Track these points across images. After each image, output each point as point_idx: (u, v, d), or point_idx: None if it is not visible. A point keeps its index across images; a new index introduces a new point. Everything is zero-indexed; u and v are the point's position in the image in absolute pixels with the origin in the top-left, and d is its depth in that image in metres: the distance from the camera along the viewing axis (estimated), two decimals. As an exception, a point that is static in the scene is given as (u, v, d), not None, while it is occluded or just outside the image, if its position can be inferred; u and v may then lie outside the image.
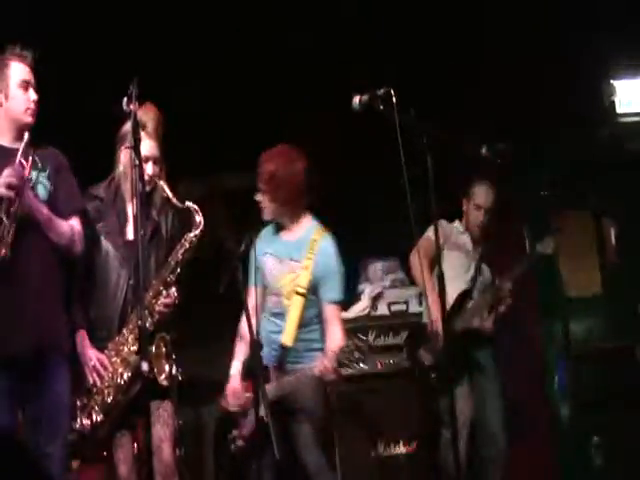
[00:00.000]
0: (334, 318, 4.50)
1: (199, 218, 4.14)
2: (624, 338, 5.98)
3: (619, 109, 6.07)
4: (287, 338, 4.47)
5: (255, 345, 4.30)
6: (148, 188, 4.16)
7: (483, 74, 6.01)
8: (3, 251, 3.79)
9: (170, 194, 4.15)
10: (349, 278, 6.17)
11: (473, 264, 5.29)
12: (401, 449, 5.36)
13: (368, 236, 6.37)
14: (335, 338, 4.42)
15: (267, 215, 4.59)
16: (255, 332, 4.22)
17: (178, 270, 4.14)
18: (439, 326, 4.92)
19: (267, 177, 4.48)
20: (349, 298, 6.02)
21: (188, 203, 4.16)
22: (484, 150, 4.74)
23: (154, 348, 4.04)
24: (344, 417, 5.32)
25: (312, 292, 4.50)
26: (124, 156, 4.19)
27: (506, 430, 5.04)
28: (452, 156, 4.96)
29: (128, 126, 4.08)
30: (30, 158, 3.94)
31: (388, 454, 5.36)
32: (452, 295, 5.01)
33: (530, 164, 4.79)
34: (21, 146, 3.90)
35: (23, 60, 4.05)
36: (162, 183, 4.18)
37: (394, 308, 5.78)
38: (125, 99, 3.64)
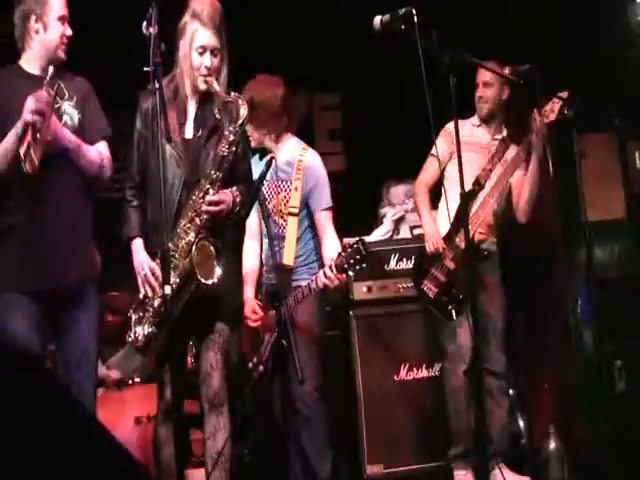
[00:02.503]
0: (327, 224, 4.68)
1: (244, 109, 3.95)
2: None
3: (645, 29, 5.97)
4: (288, 258, 4.59)
5: (278, 268, 4.37)
6: (205, 86, 4.02)
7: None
8: (29, 166, 3.77)
9: (217, 87, 3.98)
10: (371, 202, 6.26)
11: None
12: (423, 373, 5.38)
13: (390, 159, 6.34)
14: (331, 244, 4.61)
15: (252, 142, 4.67)
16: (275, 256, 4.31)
17: (225, 165, 3.95)
18: (436, 243, 4.90)
19: (250, 104, 4.56)
20: (371, 221, 6.06)
21: (233, 94, 3.99)
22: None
23: (202, 249, 3.86)
24: (365, 341, 5.34)
25: (304, 207, 4.68)
26: (182, 50, 4.04)
27: (505, 356, 4.99)
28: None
29: (186, 17, 4.03)
30: (57, 87, 3.92)
31: (410, 378, 5.37)
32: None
33: (554, 85, 4.70)
34: (47, 77, 3.87)
35: None
36: (210, 79, 4.00)
37: (416, 232, 5.77)
38: (145, 22, 3.60)
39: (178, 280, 3.84)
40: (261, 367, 4.58)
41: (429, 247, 4.93)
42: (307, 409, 4.57)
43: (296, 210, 4.66)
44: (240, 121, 3.95)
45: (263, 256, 4.83)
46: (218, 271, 3.86)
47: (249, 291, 4.79)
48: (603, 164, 6.08)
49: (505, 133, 5.11)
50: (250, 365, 4.64)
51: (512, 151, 5.02)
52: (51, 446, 2.36)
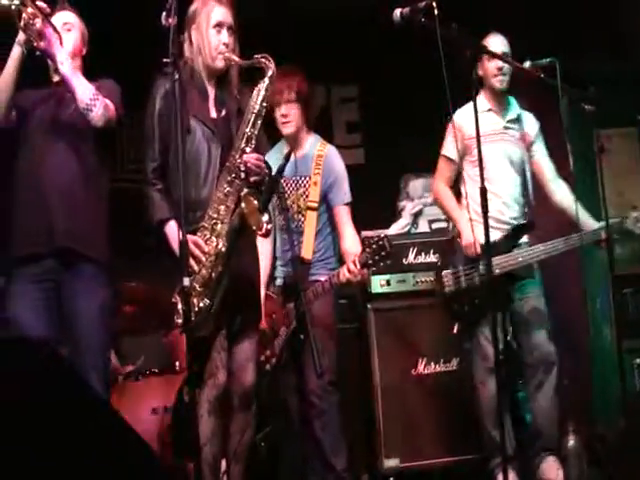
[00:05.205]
0: (346, 220, 4.69)
1: (270, 64, 3.88)
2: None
3: (666, 23, 5.94)
4: (307, 252, 4.60)
5: (296, 262, 4.37)
6: (223, 64, 3.99)
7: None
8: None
9: (236, 58, 3.95)
10: (390, 195, 6.25)
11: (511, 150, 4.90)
12: (441, 367, 5.36)
13: (409, 153, 6.33)
14: (351, 239, 4.64)
15: (291, 128, 4.69)
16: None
17: (259, 122, 3.90)
18: (471, 247, 4.69)
19: (299, 90, 4.63)
20: (389, 215, 6.04)
21: (256, 56, 3.91)
22: (528, 64, 4.66)
23: (248, 202, 3.78)
24: (383, 335, 5.32)
25: (323, 201, 4.68)
26: (196, 32, 3.99)
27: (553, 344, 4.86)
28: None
29: (196, 3, 4.02)
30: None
31: (428, 372, 5.35)
32: (491, 208, 4.54)
33: (574, 80, 4.67)
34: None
35: None
36: (228, 54, 3.95)
37: (435, 226, 5.76)
38: (164, 13, 3.59)
39: (226, 243, 3.79)
40: (274, 360, 4.60)
41: (470, 252, 4.72)
42: (322, 402, 4.57)
43: (315, 205, 4.66)
44: (268, 76, 3.90)
45: (279, 251, 4.82)
46: (265, 217, 3.81)
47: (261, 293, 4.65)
48: (624, 159, 6.05)
49: (518, 110, 4.97)
50: (262, 358, 4.63)
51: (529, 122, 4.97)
52: (65, 433, 2.37)
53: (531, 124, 5.01)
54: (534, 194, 5.00)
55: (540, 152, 4.99)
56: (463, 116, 4.74)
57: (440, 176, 4.97)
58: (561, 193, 4.92)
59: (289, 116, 4.64)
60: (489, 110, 4.93)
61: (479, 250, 4.64)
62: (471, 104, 4.70)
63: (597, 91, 4.70)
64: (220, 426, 3.91)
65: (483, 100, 4.93)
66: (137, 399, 5.01)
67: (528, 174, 4.96)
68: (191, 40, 4.01)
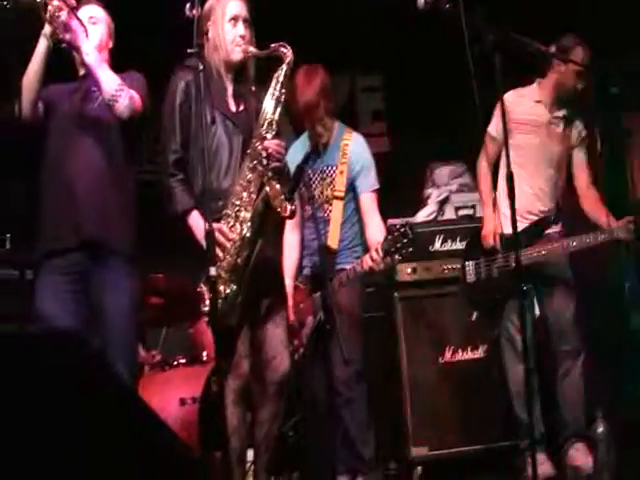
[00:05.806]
0: (372, 207, 4.69)
1: (287, 51, 3.88)
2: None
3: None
4: (332, 241, 4.61)
5: (322, 251, 4.36)
6: (241, 56, 3.97)
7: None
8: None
9: (254, 49, 3.95)
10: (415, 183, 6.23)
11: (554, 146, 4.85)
12: (469, 355, 5.34)
13: (434, 141, 6.31)
14: (376, 226, 4.63)
15: (325, 139, 4.71)
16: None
17: (279, 108, 3.90)
18: (489, 242, 4.78)
19: (327, 102, 4.67)
20: (415, 203, 6.02)
21: (272, 45, 3.91)
22: (554, 49, 4.63)
23: (271, 187, 3.78)
24: (410, 323, 5.31)
25: (349, 190, 4.68)
26: (213, 27, 3.96)
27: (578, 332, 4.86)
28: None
29: (211, 1, 4.01)
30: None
31: (455, 360, 5.34)
32: (521, 198, 4.46)
33: (601, 63, 4.64)
34: None
35: None
36: (245, 46, 3.94)
37: (461, 213, 5.73)
38: (188, 5, 3.59)
39: (251, 228, 3.79)
40: (301, 349, 4.60)
41: (487, 243, 4.81)
42: (349, 391, 4.57)
43: (341, 194, 4.66)
44: (286, 62, 3.89)
45: (306, 241, 4.82)
46: (289, 201, 3.80)
47: (289, 284, 4.67)
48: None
49: (566, 110, 4.88)
50: (290, 348, 4.61)
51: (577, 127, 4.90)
52: (94, 423, 2.38)
53: (578, 129, 4.93)
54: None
55: (579, 159, 4.92)
56: (511, 99, 4.76)
57: (483, 153, 4.96)
58: (590, 203, 4.85)
59: (324, 128, 4.68)
60: (538, 102, 4.88)
61: (494, 242, 4.75)
62: (522, 89, 4.90)
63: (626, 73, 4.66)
64: (246, 416, 3.93)
65: (535, 89, 4.91)
66: (165, 390, 5.02)
67: (563, 174, 4.92)
68: (208, 37, 3.97)
